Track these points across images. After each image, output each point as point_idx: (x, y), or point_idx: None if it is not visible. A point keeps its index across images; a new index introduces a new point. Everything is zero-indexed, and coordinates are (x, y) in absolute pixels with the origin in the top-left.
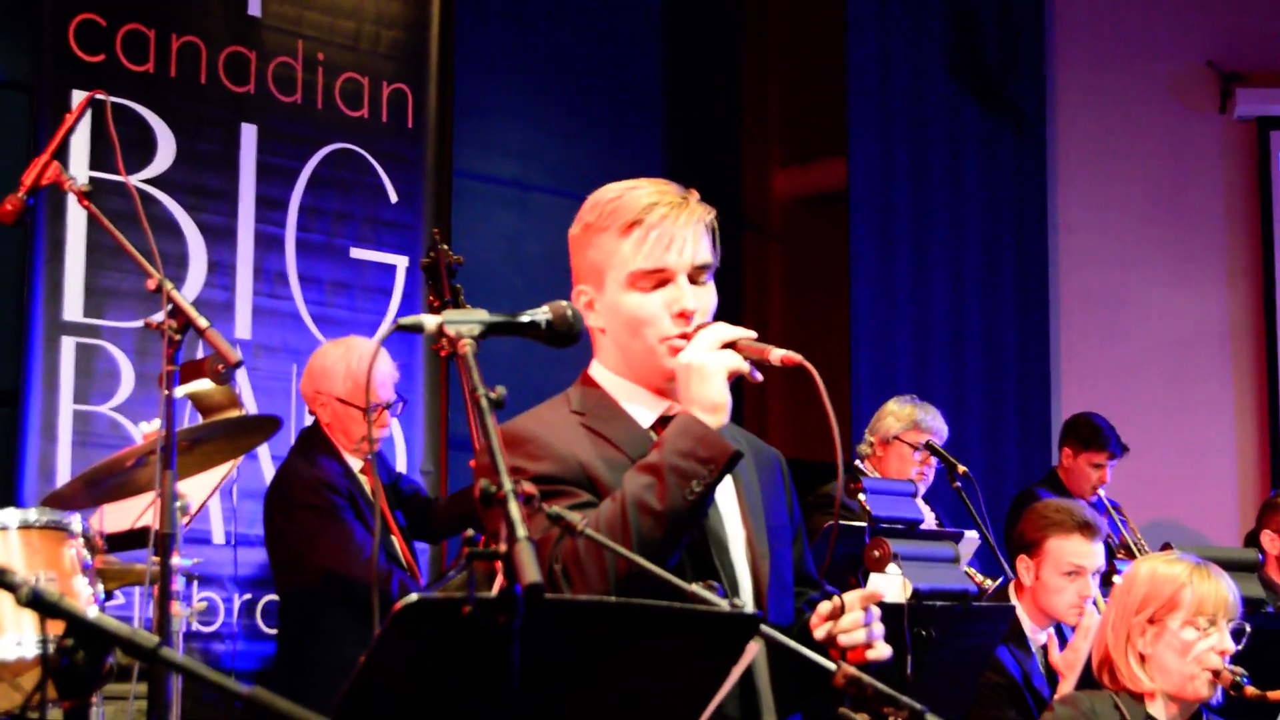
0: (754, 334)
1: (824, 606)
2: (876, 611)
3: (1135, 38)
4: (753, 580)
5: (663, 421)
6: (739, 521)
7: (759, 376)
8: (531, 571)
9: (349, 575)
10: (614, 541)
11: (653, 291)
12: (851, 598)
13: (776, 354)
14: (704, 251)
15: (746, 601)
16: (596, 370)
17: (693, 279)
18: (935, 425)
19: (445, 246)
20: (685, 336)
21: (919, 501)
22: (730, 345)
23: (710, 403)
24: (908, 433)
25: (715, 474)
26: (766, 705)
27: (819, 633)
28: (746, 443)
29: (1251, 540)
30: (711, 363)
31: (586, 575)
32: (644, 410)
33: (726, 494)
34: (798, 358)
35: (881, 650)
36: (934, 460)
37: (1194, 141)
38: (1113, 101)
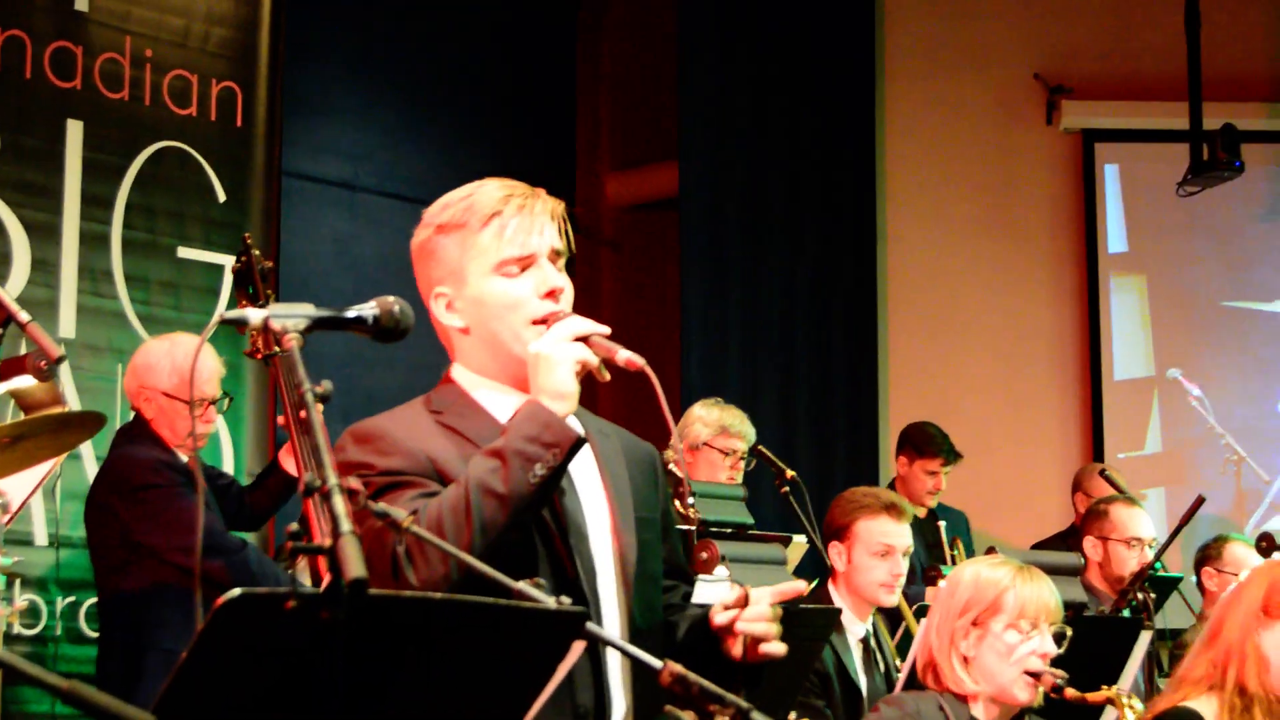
0: (607, 330)
1: (728, 596)
2: (778, 611)
3: (964, 50)
4: (618, 569)
5: None
6: (604, 510)
7: (607, 376)
8: (356, 566)
9: (194, 555)
10: (457, 523)
11: (519, 276)
12: (761, 592)
13: (622, 355)
14: (559, 237)
15: (607, 592)
16: (457, 372)
17: (551, 262)
18: (743, 429)
19: (257, 252)
20: (551, 317)
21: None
22: (583, 340)
23: (556, 390)
24: (716, 438)
25: (559, 459)
26: (617, 698)
27: (721, 618)
28: (618, 437)
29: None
30: (560, 353)
31: (428, 558)
32: (503, 407)
33: (591, 483)
34: (640, 362)
35: (778, 647)
36: (741, 465)
37: (1021, 152)
38: (942, 112)
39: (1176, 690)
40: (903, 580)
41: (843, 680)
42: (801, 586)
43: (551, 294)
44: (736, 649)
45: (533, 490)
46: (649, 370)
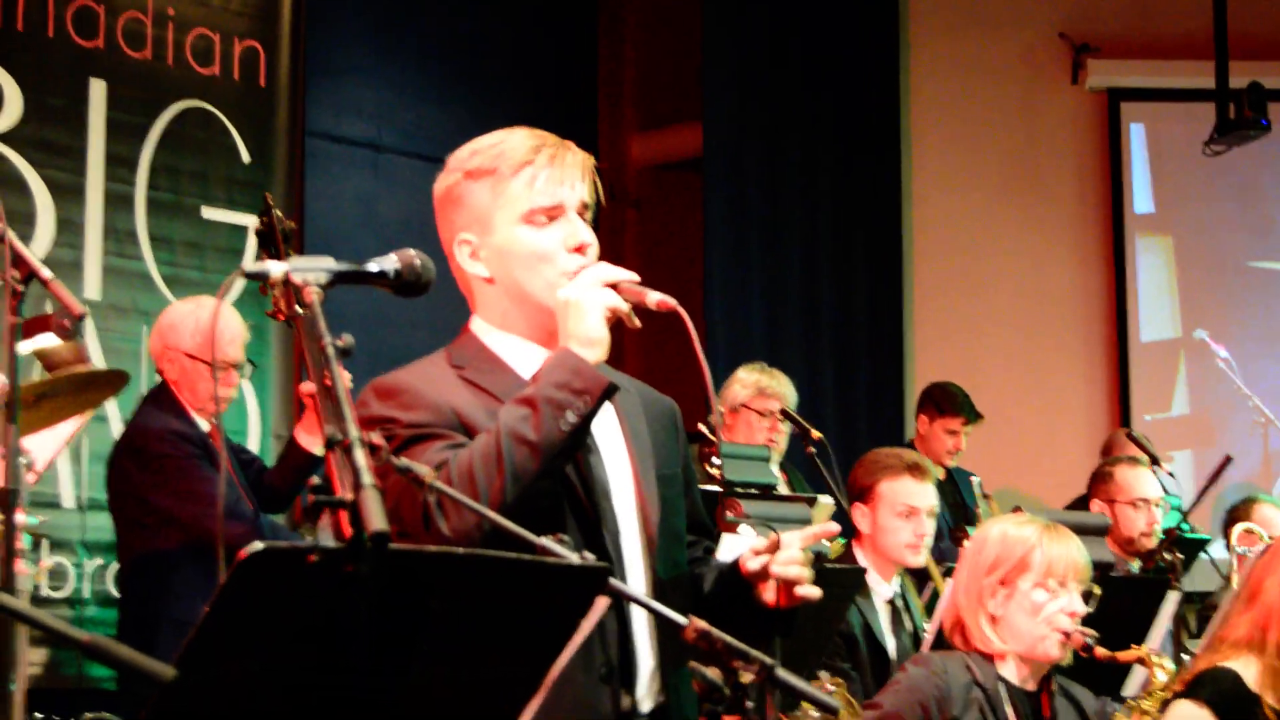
0: (636, 277)
1: (760, 542)
2: (810, 555)
3: (989, 8)
4: (640, 525)
5: None
6: (626, 467)
7: (638, 323)
8: (378, 519)
9: (208, 524)
10: (489, 472)
11: (547, 226)
12: (791, 536)
13: (653, 298)
14: (588, 190)
15: (631, 549)
16: (477, 324)
17: (579, 215)
18: (781, 391)
19: (279, 212)
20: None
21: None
22: (612, 286)
23: (587, 337)
24: (754, 399)
25: (590, 405)
26: (643, 653)
27: (753, 564)
28: (638, 392)
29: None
30: (590, 299)
31: (459, 508)
32: (525, 361)
33: (613, 440)
34: (673, 303)
35: (813, 590)
36: (783, 427)
37: (1046, 112)
38: (966, 71)
39: (1216, 651)
40: (929, 540)
41: (869, 642)
42: (834, 528)
43: (580, 249)
44: (769, 595)
45: (564, 437)
46: (681, 310)
